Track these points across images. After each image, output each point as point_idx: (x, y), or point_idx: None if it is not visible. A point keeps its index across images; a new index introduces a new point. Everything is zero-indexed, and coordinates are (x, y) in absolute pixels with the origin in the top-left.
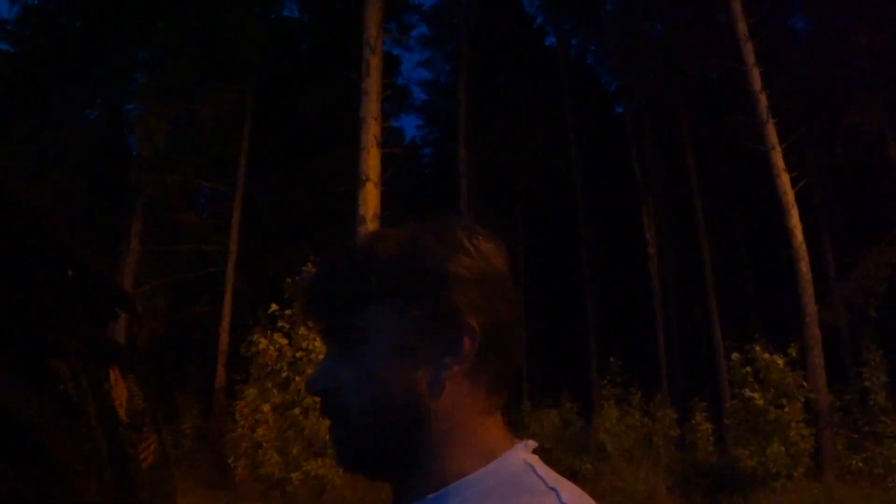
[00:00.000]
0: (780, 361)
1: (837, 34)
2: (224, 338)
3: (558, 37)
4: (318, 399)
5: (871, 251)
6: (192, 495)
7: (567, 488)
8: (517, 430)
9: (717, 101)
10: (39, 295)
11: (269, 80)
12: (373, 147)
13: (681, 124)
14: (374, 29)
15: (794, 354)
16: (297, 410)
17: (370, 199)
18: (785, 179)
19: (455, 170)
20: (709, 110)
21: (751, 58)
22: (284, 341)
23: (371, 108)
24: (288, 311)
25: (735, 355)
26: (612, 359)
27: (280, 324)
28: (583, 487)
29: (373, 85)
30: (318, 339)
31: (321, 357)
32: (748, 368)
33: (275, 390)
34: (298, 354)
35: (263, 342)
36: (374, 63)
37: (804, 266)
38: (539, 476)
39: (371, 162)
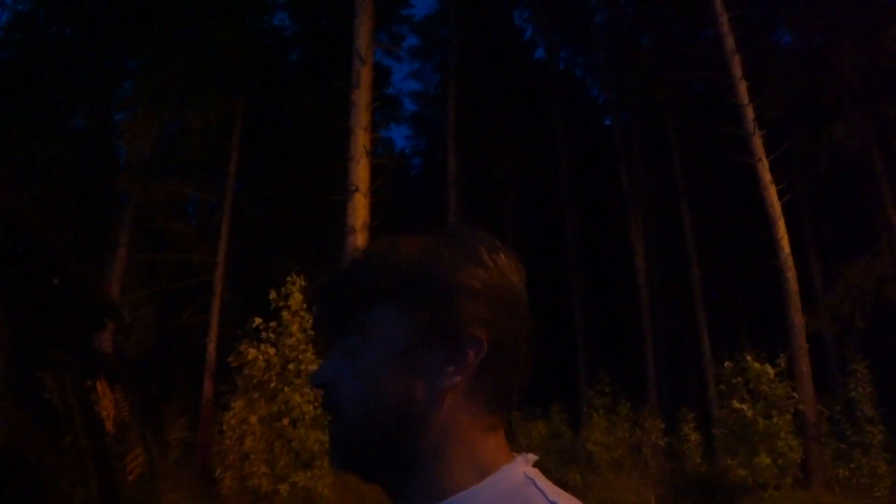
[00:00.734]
0: (771, 372)
1: (822, 49)
2: (211, 348)
3: (547, 49)
4: (306, 410)
5: (857, 263)
6: None
7: (568, 502)
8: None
9: (704, 113)
10: (25, 304)
11: (259, 89)
12: (362, 157)
13: (668, 136)
14: (365, 39)
15: (783, 365)
16: (284, 421)
17: (359, 210)
18: (772, 191)
19: (444, 180)
20: (696, 123)
21: (737, 71)
22: (272, 351)
23: (361, 118)
24: (273, 324)
25: (727, 364)
26: (601, 368)
27: (266, 335)
28: None
29: (363, 95)
30: (308, 349)
31: (311, 367)
32: (739, 378)
33: (262, 401)
34: (291, 367)
35: (253, 352)
36: (365, 73)
37: (791, 277)
38: (539, 489)
39: (360, 172)
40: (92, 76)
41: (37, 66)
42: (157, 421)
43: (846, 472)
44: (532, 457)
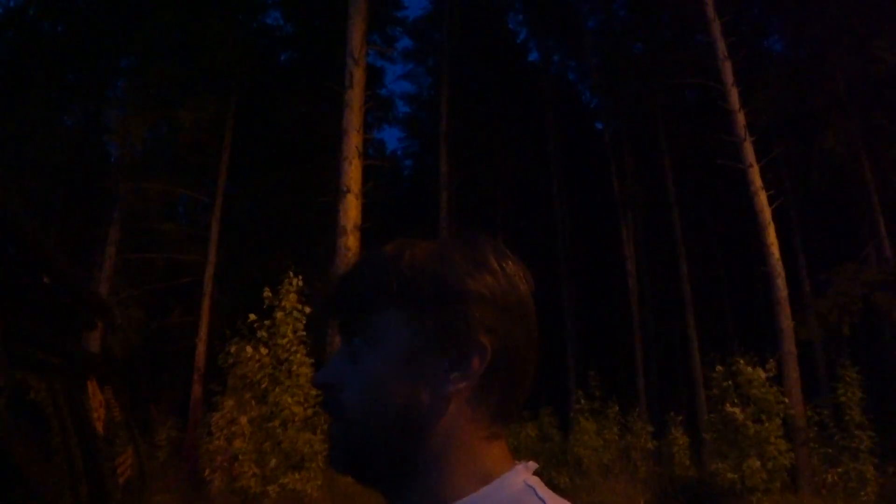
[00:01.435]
0: (762, 376)
1: (813, 57)
2: (201, 349)
3: (540, 53)
4: (297, 411)
5: (846, 269)
6: None
7: None
8: None
9: (695, 118)
10: (13, 303)
11: (251, 89)
12: (354, 158)
13: (660, 141)
14: (358, 40)
15: (773, 371)
16: (275, 423)
17: (351, 211)
18: (762, 197)
19: (436, 182)
20: (687, 128)
21: (729, 77)
22: (265, 351)
23: (353, 119)
24: (267, 322)
25: (718, 368)
26: (591, 372)
27: (260, 333)
28: None
29: (355, 96)
30: (299, 350)
31: (301, 369)
32: (729, 382)
33: (252, 402)
34: (283, 367)
35: (249, 350)
36: (357, 74)
37: (780, 282)
38: (540, 498)
39: (352, 173)
40: (83, 74)
41: (27, 63)
42: (147, 421)
43: (834, 477)
44: (533, 465)
